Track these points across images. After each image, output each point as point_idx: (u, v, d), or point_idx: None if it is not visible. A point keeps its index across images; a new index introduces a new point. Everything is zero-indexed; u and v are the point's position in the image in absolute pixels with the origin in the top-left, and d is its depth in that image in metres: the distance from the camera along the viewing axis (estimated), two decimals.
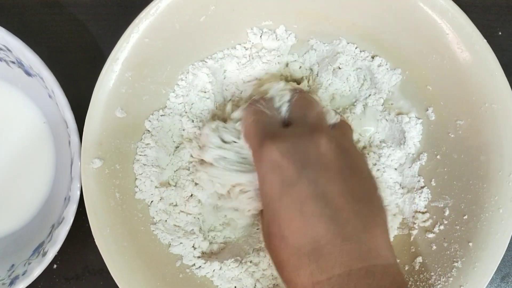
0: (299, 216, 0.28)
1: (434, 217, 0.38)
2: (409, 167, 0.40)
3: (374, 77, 0.40)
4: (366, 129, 0.40)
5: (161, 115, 0.39)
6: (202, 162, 0.37)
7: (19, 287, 0.36)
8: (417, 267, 0.37)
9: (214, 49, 0.39)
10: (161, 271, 0.37)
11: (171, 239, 0.38)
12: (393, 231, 0.39)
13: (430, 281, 0.36)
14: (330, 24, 0.39)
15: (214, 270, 0.38)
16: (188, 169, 0.39)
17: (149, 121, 0.38)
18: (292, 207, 0.28)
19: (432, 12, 0.36)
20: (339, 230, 0.28)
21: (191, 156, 0.39)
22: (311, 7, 0.38)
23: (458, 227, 0.37)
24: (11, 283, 0.36)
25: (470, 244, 0.36)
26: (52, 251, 0.35)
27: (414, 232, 0.39)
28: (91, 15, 0.43)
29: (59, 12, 0.43)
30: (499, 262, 0.35)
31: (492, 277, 0.35)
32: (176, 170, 0.39)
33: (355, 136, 0.40)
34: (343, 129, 0.33)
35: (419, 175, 0.40)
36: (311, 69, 0.40)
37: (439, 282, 0.36)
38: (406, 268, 0.38)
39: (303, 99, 0.34)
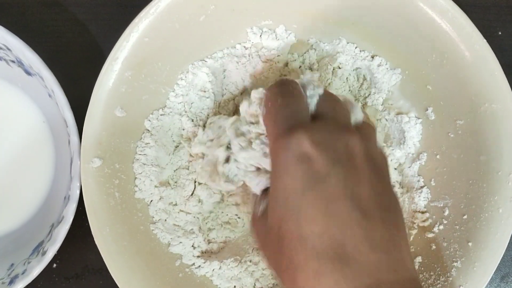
0: (324, 216, 0.26)
1: (434, 217, 0.38)
2: (409, 167, 0.40)
3: (373, 76, 0.40)
4: None
5: (161, 115, 0.39)
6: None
7: (18, 286, 0.36)
8: (416, 267, 0.37)
9: (214, 49, 0.39)
10: (161, 270, 0.37)
11: (171, 238, 0.38)
12: None
13: (429, 281, 0.36)
14: (330, 23, 0.39)
15: (213, 270, 0.38)
16: (188, 169, 0.39)
17: (149, 120, 0.38)
18: (317, 205, 0.26)
19: (432, 12, 0.36)
20: (367, 236, 0.25)
21: (190, 155, 0.39)
22: (311, 6, 0.38)
23: (457, 227, 0.37)
24: (11, 282, 0.36)
25: (470, 244, 0.36)
26: (51, 250, 0.35)
27: (414, 231, 0.39)
28: (91, 15, 0.43)
29: (59, 11, 0.43)
30: (498, 262, 0.35)
31: (492, 277, 0.35)
32: (176, 169, 0.39)
33: None
34: (369, 131, 0.31)
35: (418, 175, 0.40)
36: (310, 69, 0.40)
37: (438, 282, 0.36)
38: None
39: (332, 95, 0.31)
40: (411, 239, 0.38)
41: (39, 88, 0.39)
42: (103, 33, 0.43)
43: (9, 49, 0.37)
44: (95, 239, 0.35)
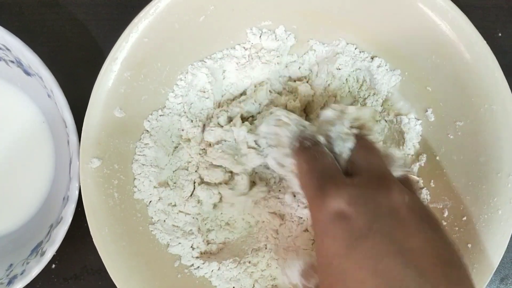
0: (375, 275, 0.23)
1: None
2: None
3: (373, 78, 0.40)
4: None
5: (160, 115, 0.38)
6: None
7: (17, 287, 0.36)
8: None
9: (213, 49, 0.39)
10: (160, 271, 0.37)
11: (170, 239, 0.38)
12: None
13: None
14: (329, 24, 0.39)
15: (212, 271, 0.38)
16: (187, 169, 0.39)
17: (148, 121, 0.38)
18: (365, 264, 0.23)
19: (432, 13, 0.36)
20: None
21: (190, 156, 0.39)
22: (310, 7, 0.38)
23: (457, 228, 0.37)
24: (9, 282, 0.36)
25: (469, 245, 0.36)
26: (50, 251, 0.35)
27: None
28: (91, 15, 0.43)
29: (58, 11, 0.43)
30: (498, 263, 0.35)
31: (491, 278, 0.35)
32: (175, 170, 0.39)
33: None
34: (410, 183, 0.29)
35: (418, 176, 0.39)
36: (310, 70, 0.40)
37: None
38: None
39: (365, 147, 0.30)
40: None
41: (38, 88, 0.38)
42: (103, 33, 0.43)
43: (8, 49, 0.37)
44: (94, 240, 0.35)
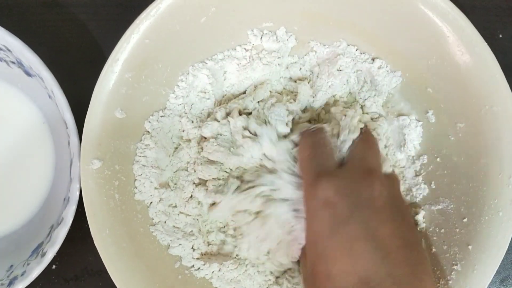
0: (349, 255, 0.28)
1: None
2: (409, 169, 0.40)
3: (374, 79, 0.40)
4: None
5: (161, 116, 0.38)
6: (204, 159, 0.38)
7: None
8: None
9: (214, 50, 0.39)
10: (160, 272, 0.37)
11: (170, 240, 0.38)
12: None
13: None
14: (330, 26, 0.38)
15: (213, 272, 0.38)
16: (187, 170, 0.39)
17: (149, 122, 0.38)
18: (342, 245, 0.28)
19: (432, 14, 0.36)
20: (390, 272, 0.27)
21: (189, 156, 0.39)
22: (312, 9, 0.38)
23: (457, 229, 0.37)
24: (10, 283, 0.36)
25: (470, 247, 0.36)
26: (51, 252, 0.35)
27: None
28: (91, 15, 0.43)
29: (59, 12, 0.43)
30: (498, 265, 0.35)
31: (492, 280, 0.35)
32: (176, 171, 0.39)
33: None
34: (393, 180, 0.33)
35: (418, 175, 0.39)
36: (311, 71, 0.40)
37: (438, 285, 0.36)
38: None
39: (367, 141, 0.34)
40: None
41: (39, 89, 0.38)
42: (103, 33, 0.43)
43: (9, 50, 0.37)
44: (94, 241, 0.35)
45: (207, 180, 0.38)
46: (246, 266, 0.38)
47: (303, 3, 0.37)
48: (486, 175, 0.36)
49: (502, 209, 0.35)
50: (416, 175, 0.40)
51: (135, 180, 0.38)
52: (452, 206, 0.37)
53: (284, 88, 0.41)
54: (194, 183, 0.39)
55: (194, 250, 0.39)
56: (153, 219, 0.38)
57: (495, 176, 0.36)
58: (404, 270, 0.28)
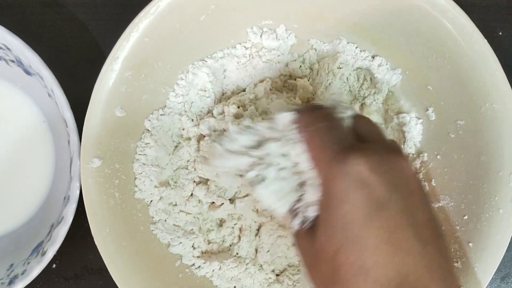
0: (388, 246, 0.24)
1: None
2: None
3: (374, 77, 0.40)
4: None
5: (161, 115, 0.38)
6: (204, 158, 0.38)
7: (18, 287, 0.36)
8: None
9: (214, 49, 0.39)
10: (160, 271, 0.37)
11: (171, 238, 0.38)
12: None
13: None
14: (330, 23, 0.38)
15: (213, 270, 0.38)
16: (187, 168, 0.39)
17: (149, 120, 0.38)
18: (381, 234, 0.25)
19: (433, 12, 0.35)
20: (427, 266, 0.25)
21: (189, 154, 0.39)
22: (311, 6, 0.38)
23: (458, 227, 0.37)
24: (10, 282, 0.36)
25: (470, 244, 0.36)
26: (51, 251, 0.35)
27: None
28: (91, 14, 0.43)
29: (59, 11, 0.43)
30: (499, 262, 0.35)
31: (492, 277, 0.35)
32: (176, 169, 0.39)
33: None
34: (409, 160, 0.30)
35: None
36: (311, 69, 0.40)
37: None
38: None
39: (364, 117, 0.30)
40: None
41: (38, 88, 0.38)
42: (103, 33, 0.43)
43: (9, 49, 0.37)
44: (94, 240, 0.35)
45: (207, 179, 0.38)
46: (246, 265, 0.38)
47: (303, 1, 0.37)
48: (486, 172, 0.36)
49: (503, 207, 0.35)
50: (416, 173, 0.40)
51: (135, 178, 0.38)
52: (452, 203, 0.37)
53: (284, 86, 0.41)
54: (194, 181, 0.39)
55: (194, 248, 0.39)
56: (153, 217, 0.38)
57: (495, 173, 0.36)
58: (439, 262, 0.25)
